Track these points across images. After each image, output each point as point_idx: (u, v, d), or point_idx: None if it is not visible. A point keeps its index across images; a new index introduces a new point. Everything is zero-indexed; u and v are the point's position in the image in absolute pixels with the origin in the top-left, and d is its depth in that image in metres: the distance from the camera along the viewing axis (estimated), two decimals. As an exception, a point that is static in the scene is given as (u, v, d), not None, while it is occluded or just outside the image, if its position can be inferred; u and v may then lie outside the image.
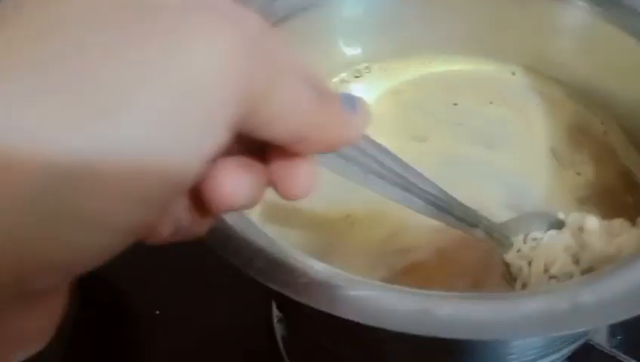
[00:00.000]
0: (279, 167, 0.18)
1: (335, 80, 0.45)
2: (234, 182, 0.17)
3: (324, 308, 0.23)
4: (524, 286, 0.32)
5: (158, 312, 0.46)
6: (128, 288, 0.48)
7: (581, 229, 0.33)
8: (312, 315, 0.26)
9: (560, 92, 0.45)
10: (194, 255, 0.36)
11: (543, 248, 0.33)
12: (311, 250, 0.32)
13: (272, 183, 0.19)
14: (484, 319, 0.22)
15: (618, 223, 0.33)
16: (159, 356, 0.45)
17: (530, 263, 0.33)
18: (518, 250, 0.34)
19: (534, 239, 0.34)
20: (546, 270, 0.32)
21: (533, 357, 0.31)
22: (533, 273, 0.32)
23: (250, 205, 0.18)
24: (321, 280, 0.24)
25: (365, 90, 0.45)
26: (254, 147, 0.18)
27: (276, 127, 0.17)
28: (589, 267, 0.32)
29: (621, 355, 0.36)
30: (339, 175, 0.24)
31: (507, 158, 0.42)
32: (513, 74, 0.46)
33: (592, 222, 0.33)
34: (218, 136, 0.15)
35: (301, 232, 0.37)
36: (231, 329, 0.45)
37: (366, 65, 0.46)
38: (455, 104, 0.45)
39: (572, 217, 0.34)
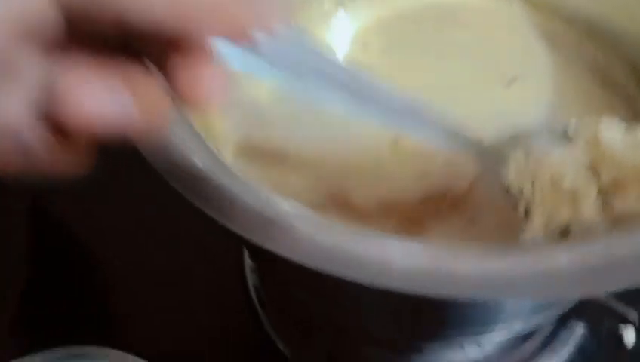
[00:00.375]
0: (180, 68, 0.16)
1: (317, 9, 0.41)
2: (90, 93, 0.14)
3: (311, 263, 0.20)
4: (527, 210, 0.27)
5: (118, 262, 0.43)
6: (85, 236, 0.45)
7: (596, 138, 0.28)
8: (287, 266, 0.22)
9: (561, 24, 0.41)
10: (158, 200, 0.33)
11: (549, 162, 0.27)
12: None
13: (174, 90, 0.16)
14: (509, 276, 0.19)
15: None
16: (121, 308, 0.42)
17: (533, 182, 0.28)
18: (518, 168, 0.28)
19: (537, 154, 0.29)
20: (555, 186, 0.27)
21: (529, 311, 0.28)
22: (538, 191, 0.27)
23: (128, 126, 0.15)
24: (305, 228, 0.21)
25: (349, 20, 0.42)
26: (152, 52, 0.16)
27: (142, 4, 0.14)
28: (614, 180, 0.26)
29: (620, 306, 0.34)
30: (266, 78, 0.20)
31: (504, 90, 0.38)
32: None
33: (610, 125, 0.27)
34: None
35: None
36: (200, 279, 0.42)
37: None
38: (444, 34, 0.41)
39: (584, 124, 0.28)
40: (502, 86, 0.37)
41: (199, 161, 0.23)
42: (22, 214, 0.46)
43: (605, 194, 0.27)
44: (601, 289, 0.19)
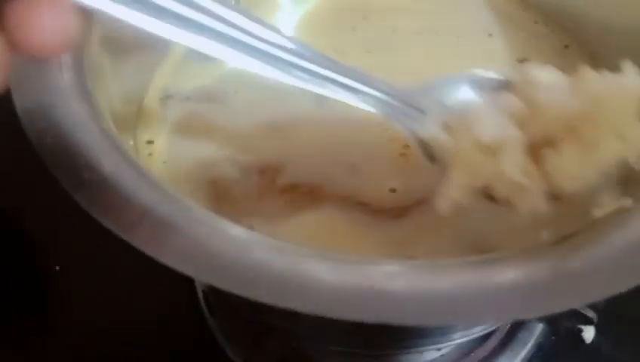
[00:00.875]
0: (14, 8, 0.14)
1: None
2: None
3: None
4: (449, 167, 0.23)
5: (57, 268, 0.41)
6: (24, 241, 0.42)
7: (526, 87, 0.24)
8: None
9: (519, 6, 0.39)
10: None
11: (471, 115, 0.24)
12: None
13: (7, 35, 0.14)
14: (448, 297, 0.17)
15: (590, 72, 0.22)
16: (60, 316, 0.39)
17: (454, 137, 0.24)
18: (439, 122, 0.25)
19: (460, 106, 0.25)
20: (475, 141, 0.23)
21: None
22: (460, 145, 0.23)
23: None
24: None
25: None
26: None
27: None
28: (544, 136, 0.23)
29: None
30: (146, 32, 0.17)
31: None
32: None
33: (542, 73, 0.23)
34: None
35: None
36: (146, 286, 0.39)
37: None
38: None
39: (512, 72, 0.25)
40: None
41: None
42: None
43: (535, 154, 0.23)
44: (548, 309, 0.17)
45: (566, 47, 0.36)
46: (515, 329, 0.36)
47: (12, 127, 0.23)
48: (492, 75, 0.26)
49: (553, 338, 0.36)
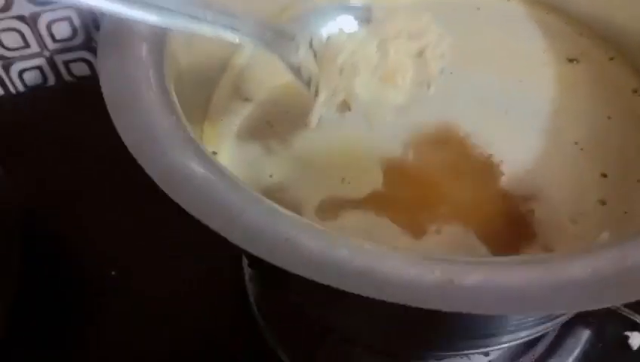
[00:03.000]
0: None
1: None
2: None
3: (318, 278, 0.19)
4: (317, 90, 0.29)
5: (114, 273, 0.42)
6: (81, 247, 0.44)
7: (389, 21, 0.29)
8: (286, 274, 0.21)
9: (560, 21, 0.40)
10: (154, 211, 0.32)
11: (336, 40, 0.29)
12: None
13: None
14: (519, 289, 0.18)
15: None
16: (118, 321, 0.41)
17: (320, 61, 0.29)
18: (307, 49, 0.29)
19: (327, 34, 0.29)
20: (334, 62, 0.28)
21: (536, 320, 0.27)
22: (323, 67, 0.28)
23: None
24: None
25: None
26: None
27: None
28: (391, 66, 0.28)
29: (626, 311, 0.34)
30: None
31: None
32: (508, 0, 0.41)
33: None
34: None
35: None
36: (199, 290, 0.41)
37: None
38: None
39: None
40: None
41: (198, 170, 0.22)
42: (14, 228, 0.45)
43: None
44: (615, 301, 0.18)
45: (611, 59, 0.37)
46: (562, 335, 0.37)
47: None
48: (356, 3, 0.31)
49: (600, 344, 0.37)
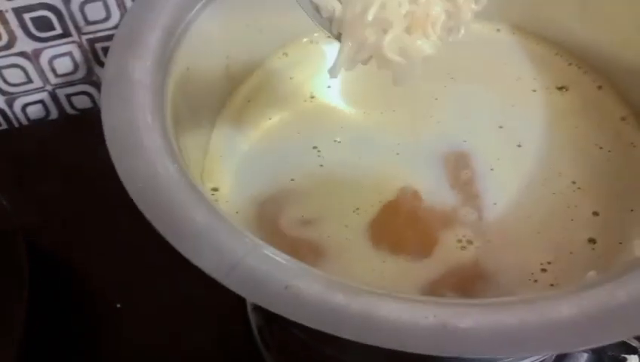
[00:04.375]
0: None
1: (305, 40, 0.41)
2: None
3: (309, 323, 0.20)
4: (338, 35, 0.27)
5: (119, 306, 0.43)
6: (86, 280, 0.45)
7: None
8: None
9: (549, 51, 0.41)
10: (156, 240, 0.32)
11: None
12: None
13: None
14: (513, 331, 0.19)
15: None
16: (121, 351, 0.42)
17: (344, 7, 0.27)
18: None
19: None
20: (362, 16, 0.26)
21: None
22: (348, 18, 0.26)
23: None
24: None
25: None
26: None
27: None
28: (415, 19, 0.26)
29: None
30: None
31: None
32: (498, 31, 0.42)
33: None
34: None
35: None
36: (202, 321, 0.42)
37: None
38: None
39: None
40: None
41: (199, 218, 0.23)
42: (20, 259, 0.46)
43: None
44: (601, 341, 0.19)
45: (599, 87, 0.38)
46: (561, 359, 0.37)
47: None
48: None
49: (598, 368, 0.38)
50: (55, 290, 0.44)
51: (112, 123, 0.26)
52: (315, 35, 0.41)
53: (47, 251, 0.46)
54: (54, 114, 0.54)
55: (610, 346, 0.35)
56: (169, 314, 0.42)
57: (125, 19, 0.30)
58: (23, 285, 0.43)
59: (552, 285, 0.28)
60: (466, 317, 0.19)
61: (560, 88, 0.38)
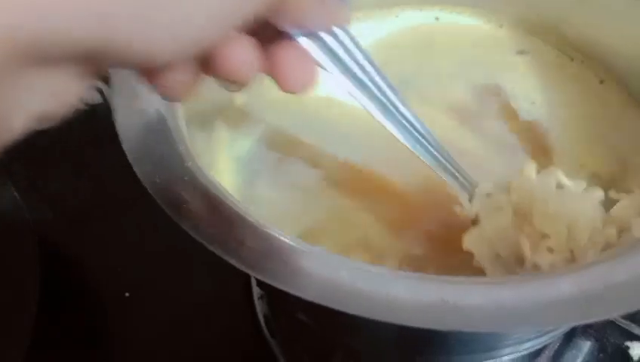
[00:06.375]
0: (281, 57, 0.20)
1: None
2: (245, 53, 0.20)
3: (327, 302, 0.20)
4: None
5: (127, 294, 0.43)
6: (96, 271, 0.45)
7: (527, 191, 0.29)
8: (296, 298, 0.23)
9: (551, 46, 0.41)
10: (165, 233, 0.33)
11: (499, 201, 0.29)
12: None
13: (272, 73, 0.21)
14: (512, 307, 0.20)
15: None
16: (130, 342, 0.42)
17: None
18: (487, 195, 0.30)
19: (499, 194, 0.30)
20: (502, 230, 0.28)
21: (537, 333, 0.29)
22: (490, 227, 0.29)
23: (245, 80, 0.20)
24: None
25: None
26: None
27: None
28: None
29: (625, 323, 0.35)
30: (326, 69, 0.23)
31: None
32: (501, 26, 0.42)
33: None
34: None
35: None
36: (208, 310, 0.42)
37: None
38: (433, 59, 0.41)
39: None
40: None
41: (207, 196, 0.24)
42: (31, 253, 0.46)
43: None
44: (603, 315, 0.20)
45: (601, 82, 0.39)
46: (564, 347, 0.38)
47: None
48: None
49: (601, 355, 0.38)
50: (66, 282, 0.45)
51: (126, 128, 0.27)
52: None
53: (57, 245, 0.47)
54: (65, 110, 0.55)
55: (612, 334, 0.35)
56: (177, 304, 0.42)
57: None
58: (35, 277, 0.44)
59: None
60: (469, 295, 0.20)
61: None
